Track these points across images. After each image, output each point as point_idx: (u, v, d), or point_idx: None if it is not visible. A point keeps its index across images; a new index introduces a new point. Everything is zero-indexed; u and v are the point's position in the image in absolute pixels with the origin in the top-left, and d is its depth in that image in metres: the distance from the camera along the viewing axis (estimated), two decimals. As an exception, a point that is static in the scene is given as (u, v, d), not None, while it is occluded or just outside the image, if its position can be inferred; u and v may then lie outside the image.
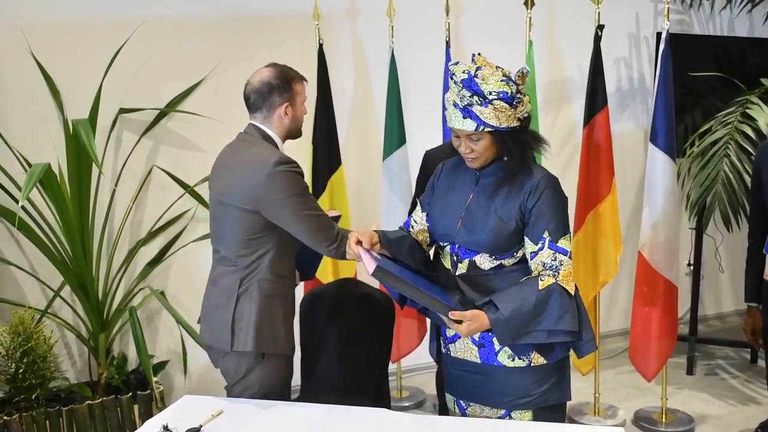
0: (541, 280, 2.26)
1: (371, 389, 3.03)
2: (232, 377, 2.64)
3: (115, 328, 3.82)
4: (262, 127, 2.61)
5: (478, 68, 2.25)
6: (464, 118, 2.26)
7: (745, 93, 4.18)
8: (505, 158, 2.33)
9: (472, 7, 4.47)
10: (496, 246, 2.32)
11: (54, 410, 3.46)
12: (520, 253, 2.36)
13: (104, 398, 3.59)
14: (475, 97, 2.22)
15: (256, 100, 2.59)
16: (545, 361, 2.36)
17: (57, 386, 3.67)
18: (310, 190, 3.96)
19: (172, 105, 3.93)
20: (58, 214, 3.53)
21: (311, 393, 3.04)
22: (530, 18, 3.89)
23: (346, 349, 3.07)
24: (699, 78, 4.53)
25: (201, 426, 2.29)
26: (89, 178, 3.56)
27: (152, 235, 3.96)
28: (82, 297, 3.65)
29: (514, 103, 2.25)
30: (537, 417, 2.38)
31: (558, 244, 2.28)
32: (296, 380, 3.15)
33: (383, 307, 3.11)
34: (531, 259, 2.32)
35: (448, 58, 4.02)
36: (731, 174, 3.85)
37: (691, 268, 4.97)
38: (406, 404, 4.31)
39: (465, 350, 2.44)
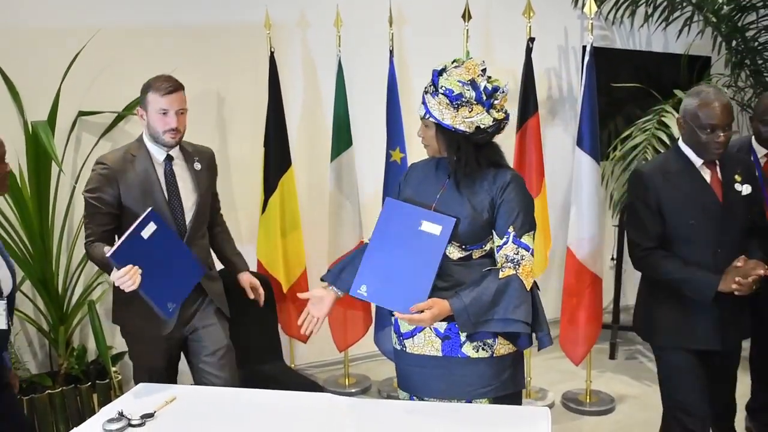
0: (502, 271, 2.22)
1: (267, 346, 3.16)
2: None
3: (75, 320, 3.73)
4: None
5: (456, 66, 2.25)
6: (422, 103, 2.28)
7: (660, 103, 4.30)
8: (455, 157, 2.26)
9: (414, 19, 4.49)
10: (469, 235, 2.26)
11: (14, 400, 3.36)
12: (487, 246, 2.31)
13: (64, 388, 3.53)
14: (431, 87, 2.25)
15: None
16: (505, 352, 2.30)
17: (18, 377, 3.57)
18: (261, 192, 3.97)
19: (130, 108, 3.84)
20: (18, 212, 3.45)
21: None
22: (467, 30, 3.92)
23: (241, 319, 3.06)
24: (620, 88, 4.63)
25: (155, 412, 2.25)
26: (48, 177, 3.49)
27: (111, 232, 3.88)
28: (43, 291, 3.57)
29: (455, 103, 2.20)
30: (495, 404, 2.31)
31: (521, 240, 2.24)
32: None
33: (262, 282, 3.11)
34: (497, 252, 2.27)
35: (391, 66, 4.02)
36: (649, 176, 3.92)
37: (614, 261, 5.07)
38: (353, 390, 4.31)
39: (426, 344, 2.33)
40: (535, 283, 2.28)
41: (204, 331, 2.83)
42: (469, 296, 2.18)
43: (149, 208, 2.54)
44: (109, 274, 2.48)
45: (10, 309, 2.46)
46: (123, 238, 2.43)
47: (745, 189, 2.63)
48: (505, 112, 2.29)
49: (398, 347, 2.44)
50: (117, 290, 2.65)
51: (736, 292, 2.49)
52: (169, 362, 2.87)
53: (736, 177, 2.63)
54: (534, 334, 2.30)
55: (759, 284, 2.52)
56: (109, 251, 2.39)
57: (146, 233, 2.45)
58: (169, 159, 2.73)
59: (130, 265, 2.39)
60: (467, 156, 2.25)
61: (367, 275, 2.28)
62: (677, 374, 2.73)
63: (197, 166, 2.78)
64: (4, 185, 2.48)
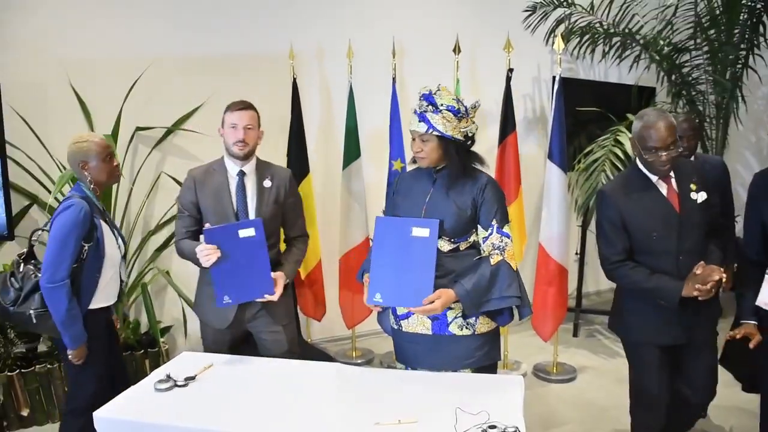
0: (492, 258, 2.25)
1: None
2: None
3: (131, 299, 3.76)
4: None
5: (438, 90, 2.28)
6: (419, 121, 2.26)
7: (616, 124, 4.29)
8: (456, 159, 2.29)
9: (413, 52, 4.49)
10: (455, 230, 2.27)
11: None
12: (471, 239, 2.32)
13: (122, 354, 3.53)
14: (430, 107, 2.24)
15: None
16: (485, 330, 2.33)
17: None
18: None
19: (177, 124, 3.89)
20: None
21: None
22: (457, 61, 3.94)
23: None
24: (584, 112, 4.63)
25: (196, 375, 2.28)
26: (110, 181, 3.51)
27: (160, 227, 3.92)
28: (104, 275, 3.58)
29: (458, 115, 2.25)
30: (477, 373, 2.34)
31: (503, 230, 2.29)
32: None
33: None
34: (483, 243, 2.29)
35: (394, 91, 4.03)
36: (607, 184, 3.92)
37: (578, 256, 5.06)
38: (359, 361, 4.30)
39: (418, 324, 2.35)
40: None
41: (267, 335, 2.71)
42: (470, 282, 2.21)
43: (260, 218, 2.54)
44: (195, 264, 2.52)
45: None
46: (223, 225, 2.45)
47: (701, 196, 2.40)
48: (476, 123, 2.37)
49: (395, 327, 2.45)
50: (201, 278, 2.70)
51: (699, 297, 2.29)
52: (231, 349, 2.77)
53: (692, 186, 2.40)
54: (516, 308, 2.33)
55: (719, 286, 2.31)
56: (207, 227, 2.44)
57: (243, 233, 2.40)
58: (241, 173, 2.66)
59: (214, 246, 2.40)
60: (464, 159, 2.30)
61: (378, 285, 2.24)
62: (641, 366, 2.56)
63: (266, 183, 2.68)
64: (115, 175, 2.61)
